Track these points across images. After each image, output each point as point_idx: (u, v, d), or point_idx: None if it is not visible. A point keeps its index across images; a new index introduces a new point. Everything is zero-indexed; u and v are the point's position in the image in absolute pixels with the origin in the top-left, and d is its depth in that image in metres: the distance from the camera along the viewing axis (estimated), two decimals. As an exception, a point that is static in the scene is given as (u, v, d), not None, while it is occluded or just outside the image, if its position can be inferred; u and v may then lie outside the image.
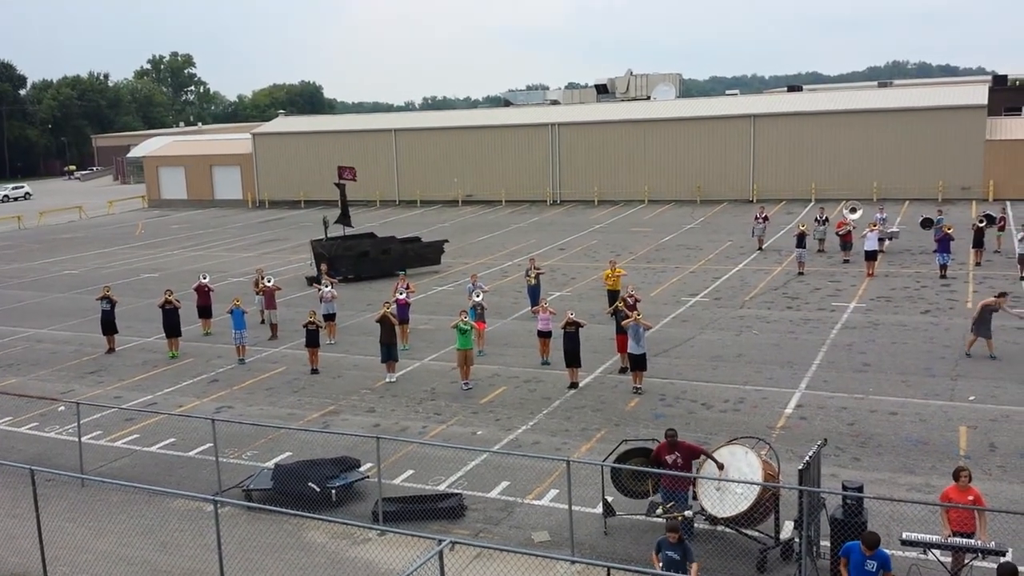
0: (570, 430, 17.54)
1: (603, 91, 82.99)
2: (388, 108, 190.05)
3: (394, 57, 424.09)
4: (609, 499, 13.39)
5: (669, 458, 12.79)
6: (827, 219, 35.78)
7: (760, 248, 36.50)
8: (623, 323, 19.92)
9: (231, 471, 15.88)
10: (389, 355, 21.24)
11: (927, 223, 35.00)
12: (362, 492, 14.96)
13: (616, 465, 13.42)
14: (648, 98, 74.64)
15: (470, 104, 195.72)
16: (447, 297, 30.69)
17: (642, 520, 13.24)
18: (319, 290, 26.30)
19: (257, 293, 27.32)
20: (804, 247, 31.58)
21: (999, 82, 69.01)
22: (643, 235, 43.05)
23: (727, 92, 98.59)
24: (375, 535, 13.43)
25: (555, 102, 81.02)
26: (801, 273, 31.14)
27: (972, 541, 10.89)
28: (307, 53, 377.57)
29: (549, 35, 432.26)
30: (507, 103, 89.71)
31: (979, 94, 52.40)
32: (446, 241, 38.65)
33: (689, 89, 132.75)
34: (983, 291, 27.22)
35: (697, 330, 24.64)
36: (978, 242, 31.55)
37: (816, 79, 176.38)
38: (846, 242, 33.37)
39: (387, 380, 21.21)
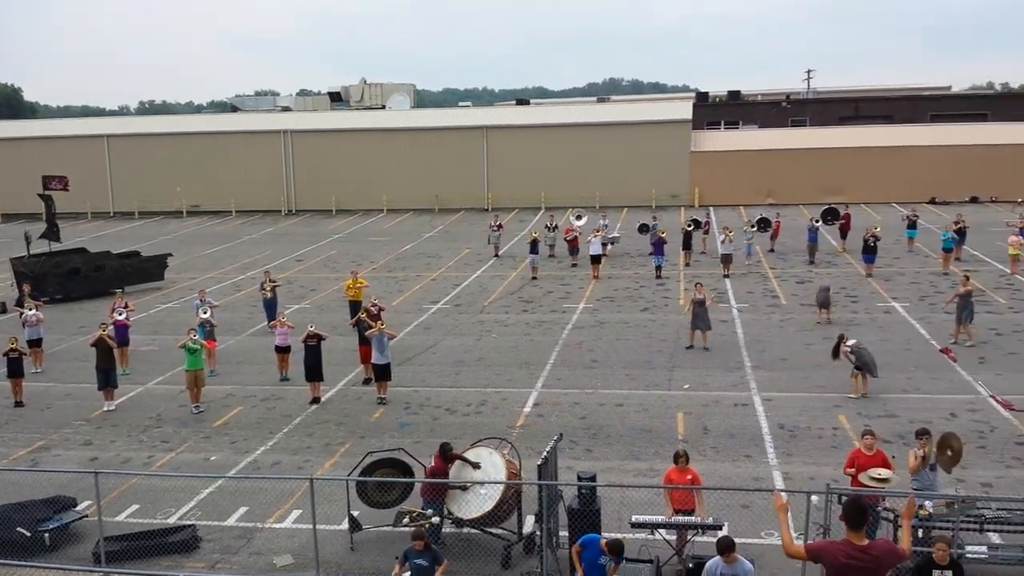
0: (312, 447, 17.02)
1: (337, 99, 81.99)
2: (100, 112, 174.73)
3: (106, 58, 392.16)
4: (355, 513, 13.12)
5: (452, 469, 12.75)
6: (556, 226, 37.65)
7: (496, 255, 37.65)
8: (367, 333, 19.68)
9: (-85, 525, 13.73)
10: (107, 381, 19.46)
11: (643, 228, 37.95)
12: (81, 533, 13.53)
13: (361, 479, 13.19)
14: (383, 107, 74.76)
15: (193, 109, 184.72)
16: (172, 315, 28.77)
17: (389, 531, 13.08)
18: (22, 313, 23.60)
19: (-55, 319, 24.01)
20: (537, 253, 32.99)
21: (701, 99, 76.18)
22: (383, 244, 42.96)
23: (460, 104, 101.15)
24: (96, 579, 12.21)
25: (287, 109, 78.90)
26: (535, 278, 32.49)
27: (692, 518, 11.84)
28: (3, 53, 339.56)
29: (278, 40, 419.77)
30: (234, 109, 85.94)
31: (684, 110, 57.67)
32: (169, 255, 36.28)
33: (424, 100, 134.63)
34: (693, 289, 29.92)
35: (440, 337, 24.92)
36: (687, 244, 34.64)
37: (542, 93, 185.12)
38: (573, 247, 35.29)
39: (105, 409, 19.41)
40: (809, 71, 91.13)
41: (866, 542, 7.01)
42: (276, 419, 18.63)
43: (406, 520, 12.47)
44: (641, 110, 60.26)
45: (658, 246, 32.21)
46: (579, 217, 39.09)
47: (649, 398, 19.07)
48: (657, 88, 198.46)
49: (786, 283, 30.47)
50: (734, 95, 77.67)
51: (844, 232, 36.49)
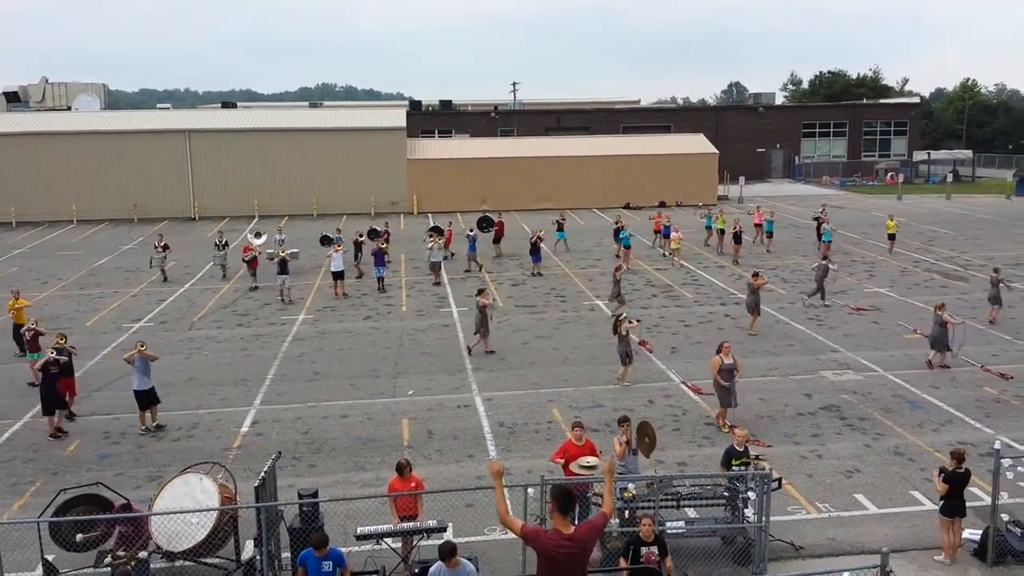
0: (-4, 488, 15.09)
1: (14, 99, 73.61)
2: None
3: None
4: (50, 558, 11.75)
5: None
6: (227, 243, 34.80)
7: (164, 279, 33.24)
8: (125, 357, 18.05)
9: None
10: None
11: (325, 240, 35.89)
12: None
13: (55, 519, 11.86)
14: (69, 108, 68.07)
15: None
16: None
17: (91, 573, 11.87)
18: None
19: None
20: (287, 273, 29.62)
21: (415, 107, 77.30)
22: (73, 258, 39.05)
23: (159, 106, 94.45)
24: None
25: (-48, 110, 69.50)
26: (290, 302, 29.36)
27: (416, 524, 11.86)
28: None
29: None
30: None
31: (399, 117, 58.10)
32: None
33: (117, 101, 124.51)
34: (414, 295, 30.26)
35: (143, 357, 23.05)
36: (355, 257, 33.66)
37: (251, 97, 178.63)
38: (253, 268, 31.83)
39: None
40: (515, 84, 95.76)
41: (572, 529, 7.39)
42: (-53, 462, 16.28)
43: (108, 560, 11.37)
44: (356, 116, 59.83)
45: (379, 257, 31.47)
46: (258, 235, 36.04)
47: (374, 407, 18.92)
48: (371, 95, 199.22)
49: (502, 286, 31.66)
50: (446, 104, 79.71)
51: (498, 238, 38.38)
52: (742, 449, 13.11)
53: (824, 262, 27.85)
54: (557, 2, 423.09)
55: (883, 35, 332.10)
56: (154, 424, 17.83)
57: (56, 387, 17.59)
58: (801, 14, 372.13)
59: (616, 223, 37.75)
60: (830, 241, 35.95)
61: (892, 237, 36.71)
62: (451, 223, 40.32)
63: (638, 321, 22.10)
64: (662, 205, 54.60)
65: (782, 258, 36.02)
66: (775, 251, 37.51)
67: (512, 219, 48.10)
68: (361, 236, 34.94)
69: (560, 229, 39.19)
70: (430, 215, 51.25)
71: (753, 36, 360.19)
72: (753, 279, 24.79)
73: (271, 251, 34.21)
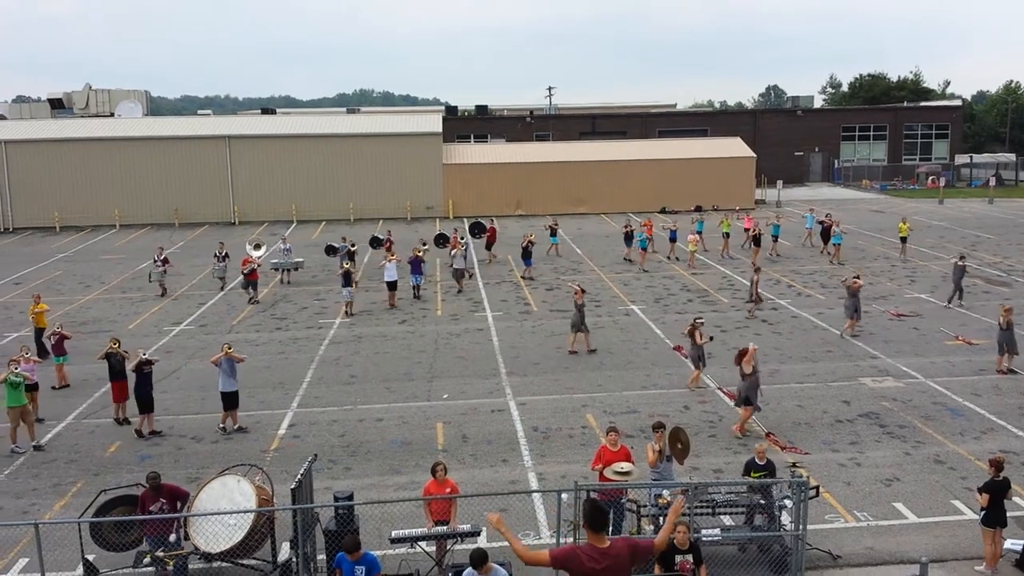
0: (39, 488, 15.41)
1: (59, 106, 75.12)
2: None
3: None
4: (91, 558, 11.98)
5: (154, 506, 11.88)
6: (227, 255, 33.82)
7: (162, 294, 31.91)
8: (212, 360, 18.31)
9: None
10: None
11: (331, 250, 35.30)
12: None
13: (95, 519, 12.09)
14: (112, 115, 69.34)
15: None
16: None
17: (130, 573, 12.08)
18: None
19: None
20: (350, 285, 28.59)
21: (451, 112, 77.60)
22: (116, 262, 39.76)
23: (200, 112, 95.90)
24: None
25: (1, 117, 71.08)
26: (351, 313, 28.41)
27: (450, 527, 11.90)
28: None
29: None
30: (-63, 116, 76.09)
31: (435, 123, 58.39)
32: None
33: (159, 107, 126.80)
34: (449, 300, 30.34)
35: (183, 360, 23.42)
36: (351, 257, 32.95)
37: (290, 103, 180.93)
38: (251, 281, 30.40)
39: None
40: (550, 88, 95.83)
41: (607, 543, 7.06)
42: (-6, 461, 16.67)
43: (147, 560, 11.56)
44: (393, 122, 60.19)
45: (415, 265, 30.82)
46: (257, 246, 34.57)
47: (409, 410, 19.03)
48: (408, 100, 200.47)
49: (536, 291, 31.66)
50: (482, 109, 79.91)
51: (490, 244, 38.41)
52: (763, 463, 13.01)
53: (961, 263, 27.57)
54: (585, 7, 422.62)
55: (924, 37, 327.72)
56: (235, 427, 18.06)
57: (149, 387, 17.88)
58: (842, 17, 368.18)
59: (625, 227, 38.50)
60: (840, 244, 35.90)
61: (904, 240, 36.56)
62: (456, 229, 40.37)
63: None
64: (698, 209, 54.23)
65: (819, 263, 35.59)
66: (784, 255, 37.33)
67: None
68: (354, 246, 34.20)
69: (553, 234, 39.12)
70: (465, 219, 51.40)
71: (791, 39, 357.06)
72: (853, 282, 24.33)
73: (275, 262, 34.47)
